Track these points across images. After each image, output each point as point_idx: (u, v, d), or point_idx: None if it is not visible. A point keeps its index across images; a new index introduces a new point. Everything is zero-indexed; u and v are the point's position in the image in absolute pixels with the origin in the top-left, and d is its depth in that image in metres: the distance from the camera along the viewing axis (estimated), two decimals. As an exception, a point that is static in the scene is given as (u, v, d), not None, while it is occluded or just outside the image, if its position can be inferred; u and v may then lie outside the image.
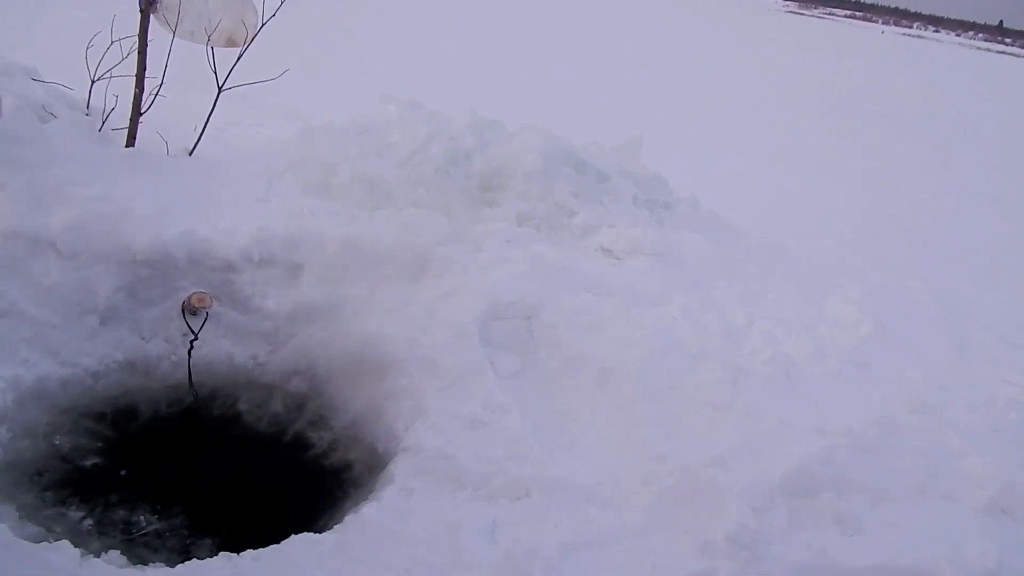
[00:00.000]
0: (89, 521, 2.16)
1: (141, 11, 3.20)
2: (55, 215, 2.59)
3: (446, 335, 2.54)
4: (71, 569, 1.79)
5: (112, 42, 3.20)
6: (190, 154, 3.48)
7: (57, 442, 2.36)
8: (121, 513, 2.21)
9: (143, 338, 2.63)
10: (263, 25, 3.57)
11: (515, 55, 13.22)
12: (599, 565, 2.00)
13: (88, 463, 2.35)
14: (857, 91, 16.86)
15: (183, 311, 2.57)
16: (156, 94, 3.42)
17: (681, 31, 24.99)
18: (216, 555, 1.91)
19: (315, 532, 2.02)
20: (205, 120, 3.56)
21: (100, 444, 2.42)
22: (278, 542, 1.96)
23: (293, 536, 1.98)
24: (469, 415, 2.33)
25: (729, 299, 3.03)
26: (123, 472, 2.36)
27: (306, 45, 8.54)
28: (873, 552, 2.10)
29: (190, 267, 2.66)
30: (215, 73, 3.54)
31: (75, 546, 1.86)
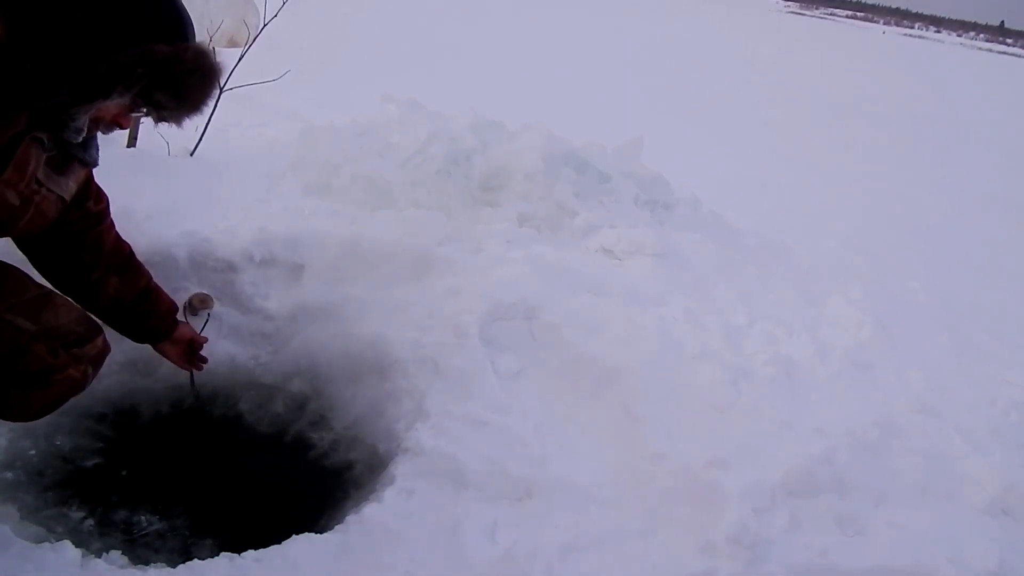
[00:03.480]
0: (90, 522, 2.16)
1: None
2: (56, 216, 2.58)
3: (447, 336, 2.54)
4: (72, 569, 1.79)
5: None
6: (191, 155, 3.48)
7: (58, 442, 2.36)
8: (122, 514, 2.21)
9: (144, 339, 2.62)
10: (265, 26, 3.58)
11: (516, 56, 13.23)
12: (600, 565, 2.00)
13: (89, 463, 2.35)
14: (858, 92, 16.86)
15: (184, 312, 2.57)
16: (157, 95, 3.41)
17: (681, 32, 25.00)
18: (217, 555, 1.91)
19: (316, 532, 2.02)
20: (206, 121, 3.56)
21: (101, 444, 2.42)
22: (279, 542, 1.96)
23: (295, 536, 1.98)
24: (470, 416, 2.33)
25: (730, 300, 3.03)
26: (124, 472, 2.36)
27: (307, 46, 8.55)
28: (874, 552, 2.09)
29: (191, 268, 2.66)
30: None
31: (76, 546, 1.85)
